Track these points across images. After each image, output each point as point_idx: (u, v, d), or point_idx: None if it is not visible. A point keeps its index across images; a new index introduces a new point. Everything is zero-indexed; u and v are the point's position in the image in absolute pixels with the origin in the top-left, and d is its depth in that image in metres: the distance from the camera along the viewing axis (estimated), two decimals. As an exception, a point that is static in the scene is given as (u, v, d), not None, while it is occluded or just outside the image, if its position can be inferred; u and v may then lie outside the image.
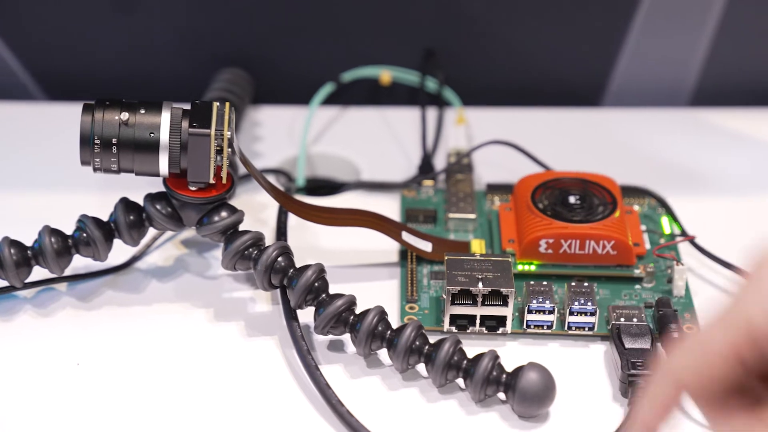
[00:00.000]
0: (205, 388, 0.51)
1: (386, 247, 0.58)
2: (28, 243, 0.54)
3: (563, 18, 0.69)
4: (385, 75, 0.70)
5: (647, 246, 0.58)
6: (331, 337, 0.53)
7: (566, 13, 0.69)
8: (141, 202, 0.54)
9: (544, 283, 0.54)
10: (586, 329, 0.54)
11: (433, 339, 0.51)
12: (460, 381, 0.51)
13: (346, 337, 0.53)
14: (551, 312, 0.53)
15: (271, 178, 0.64)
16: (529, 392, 0.49)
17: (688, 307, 0.55)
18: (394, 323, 0.53)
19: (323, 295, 0.52)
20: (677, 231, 0.59)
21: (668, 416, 0.40)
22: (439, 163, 0.65)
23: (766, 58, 0.70)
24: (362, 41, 0.70)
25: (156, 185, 0.54)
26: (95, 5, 0.69)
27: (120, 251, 0.56)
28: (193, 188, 0.53)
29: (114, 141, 0.51)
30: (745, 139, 0.67)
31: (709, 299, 0.56)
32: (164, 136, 0.52)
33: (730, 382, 0.39)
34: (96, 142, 0.51)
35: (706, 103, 0.71)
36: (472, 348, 0.51)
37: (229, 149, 0.52)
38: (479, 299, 0.53)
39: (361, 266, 0.58)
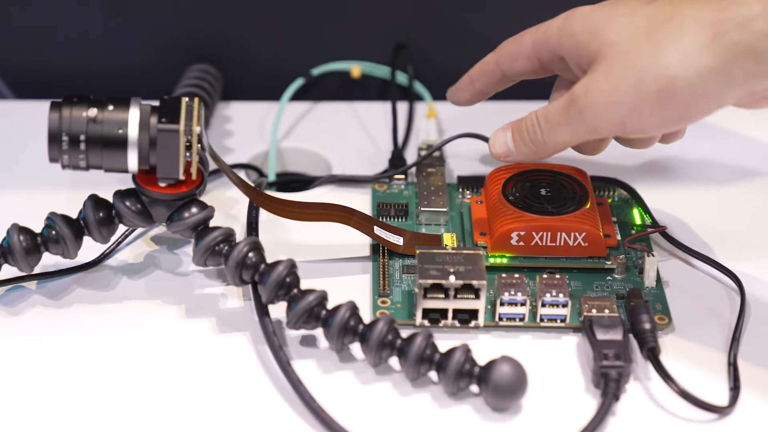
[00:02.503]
0: (177, 385, 0.51)
1: (358, 241, 0.58)
2: (-3, 241, 0.54)
3: (532, 11, 0.69)
4: (356, 69, 0.70)
5: (618, 237, 0.58)
6: (303, 331, 0.53)
7: (534, 5, 0.69)
8: (110, 199, 0.54)
9: (516, 275, 0.54)
10: (558, 321, 0.54)
11: (405, 333, 0.51)
12: (433, 374, 0.51)
13: (319, 332, 0.53)
14: (523, 304, 0.53)
15: (242, 174, 0.64)
16: (502, 385, 0.49)
17: (660, 297, 0.55)
18: (367, 317, 0.53)
19: (295, 291, 0.52)
20: (648, 222, 0.59)
21: (482, 72, 0.58)
22: (410, 156, 0.65)
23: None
24: (332, 36, 0.70)
25: (126, 182, 0.54)
26: (62, 3, 0.69)
27: (90, 248, 0.56)
28: (163, 184, 0.53)
29: (82, 138, 0.51)
30: (714, 129, 0.67)
31: (681, 289, 0.56)
32: (133, 132, 0.51)
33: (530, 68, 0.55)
34: (64, 138, 0.51)
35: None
36: (444, 341, 0.51)
37: (199, 145, 0.52)
38: (451, 293, 0.53)
39: (333, 261, 0.57)
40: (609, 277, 0.56)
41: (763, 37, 0.47)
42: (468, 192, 0.61)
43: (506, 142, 0.54)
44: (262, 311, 0.53)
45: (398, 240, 0.57)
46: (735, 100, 0.50)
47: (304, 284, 0.52)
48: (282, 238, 0.59)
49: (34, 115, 0.57)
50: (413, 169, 0.63)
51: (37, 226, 0.54)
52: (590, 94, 0.50)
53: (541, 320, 0.54)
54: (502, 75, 0.57)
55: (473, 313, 0.53)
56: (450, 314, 0.53)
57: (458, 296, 0.53)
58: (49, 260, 0.55)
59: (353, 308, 0.51)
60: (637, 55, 0.49)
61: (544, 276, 0.54)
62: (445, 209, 0.59)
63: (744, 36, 0.47)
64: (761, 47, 0.47)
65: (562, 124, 0.52)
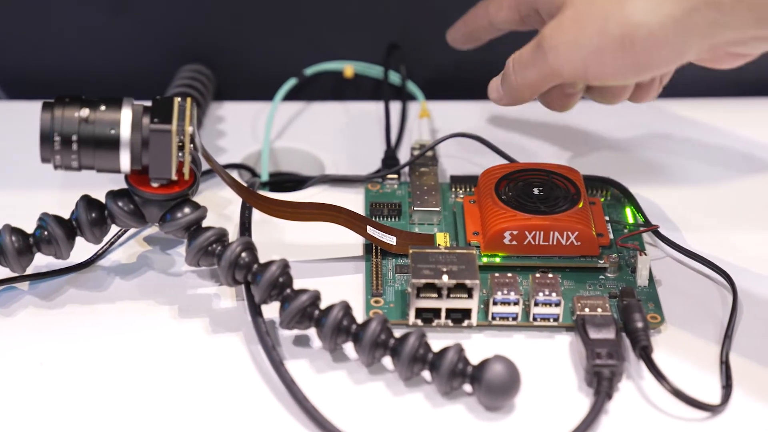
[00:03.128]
0: (171, 385, 0.51)
1: (351, 241, 0.58)
2: (-11, 242, 0.54)
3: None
4: (349, 69, 0.70)
5: (611, 236, 0.58)
6: (296, 331, 0.53)
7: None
8: (103, 200, 0.54)
9: (509, 275, 0.54)
10: (551, 320, 0.54)
11: (398, 332, 0.51)
12: (426, 374, 0.51)
13: (312, 332, 0.53)
14: (516, 304, 0.53)
15: (235, 174, 0.64)
16: (495, 384, 0.49)
17: (652, 296, 0.55)
18: (360, 317, 0.53)
19: (288, 290, 0.52)
20: (640, 221, 0.59)
21: (474, 18, 0.61)
22: (403, 156, 0.65)
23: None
24: (325, 36, 0.70)
25: (118, 182, 0.54)
26: (54, 4, 0.69)
27: (82, 249, 0.56)
28: (156, 185, 0.53)
29: (74, 138, 0.51)
30: (707, 129, 0.67)
31: (673, 288, 0.56)
32: (125, 132, 0.51)
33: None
34: (56, 139, 0.51)
35: (667, 94, 0.71)
36: (437, 341, 0.51)
37: (191, 145, 0.52)
38: (444, 292, 0.53)
39: (326, 261, 0.57)
40: (602, 276, 0.56)
41: None
42: (461, 191, 0.61)
43: (498, 87, 0.56)
44: (255, 311, 0.53)
45: (391, 240, 0.57)
46: (696, 54, 0.50)
47: (297, 284, 0.52)
48: (275, 238, 0.59)
49: (26, 116, 0.57)
50: (406, 169, 0.63)
51: (29, 227, 0.54)
52: (555, 36, 0.51)
53: (534, 319, 0.54)
54: (489, 21, 0.60)
55: (466, 313, 0.53)
56: (443, 314, 0.53)
57: (451, 296, 0.53)
58: (41, 261, 0.55)
59: (346, 308, 0.51)
60: (603, 1, 0.50)
61: (537, 275, 0.54)
62: (438, 209, 0.59)
63: None
64: None
65: (529, 65, 0.53)
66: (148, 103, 0.52)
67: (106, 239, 0.56)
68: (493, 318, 0.54)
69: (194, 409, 0.50)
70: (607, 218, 0.59)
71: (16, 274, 0.55)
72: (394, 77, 0.70)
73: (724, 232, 0.60)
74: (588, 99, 0.55)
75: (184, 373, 0.52)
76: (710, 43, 0.49)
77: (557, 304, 0.53)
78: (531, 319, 0.54)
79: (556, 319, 0.54)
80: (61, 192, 0.60)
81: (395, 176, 0.62)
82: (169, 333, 0.54)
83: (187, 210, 0.53)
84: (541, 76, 0.53)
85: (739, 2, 0.47)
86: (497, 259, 0.56)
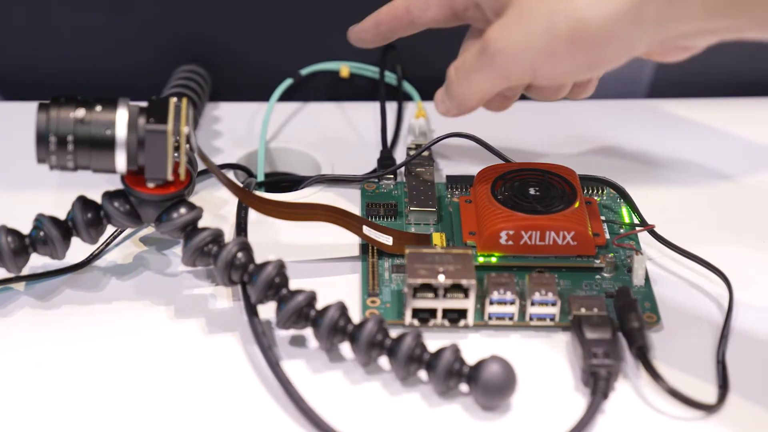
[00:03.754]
0: (167, 385, 0.51)
1: (347, 241, 0.58)
2: (-15, 243, 0.54)
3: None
4: (345, 69, 0.70)
5: (607, 236, 0.58)
6: (292, 331, 0.53)
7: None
8: (99, 200, 0.54)
9: (505, 274, 0.54)
10: (548, 320, 0.54)
11: (395, 332, 0.51)
12: (422, 373, 0.51)
13: (308, 332, 0.53)
14: (512, 303, 0.53)
15: (231, 174, 0.64)
16: (491, 384, 0.49)
17: (648, 296, 0.55)
18: (356, 317, 0.53)
19: (284, 291, 0.52)
20: (636, 221, 0.59)
21: (390, 17, 0.57)
22: (399, 156, 0.65)
23: (720, 50, 0.71)
24: (321, 36, 0.70)
25: (114, 182, 0.54)
26: (50, 4, 0.68)
27: (78, 249, 0.56)
28: (151, 185, 0.52)
29: (70, 138, 0.51)
30: (701, 129, 0.68)
31: (669, 288, 0.56)
32: (121, 132, 0.51)
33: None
34: (52, 139, 0.51)
35: (662, 95, 0.71)
36: (434, 341, 0.51)
37: (187, 145, 0.52)
38: (441, 292, 0.53)
39: (323, 261, 0.57)
40: (598, 276, 0.56)
41: None
42: (457, 191, 0.61)
43: (443, 98, 0.54)
44: (252, 311, 0.53)
45: (387, 240, 0.57)
46: (647, 47, 0.49)
47: (294, 284, 0.52)
48: (271, 238, 0.59)
49: (22, 117, 0.57)
50: (402, 169, 0.63)
51: (25, 228, 0.54)
52: (501, 39, 0.50)
53: (531, 319, 0.54)
54: (410, 21, 0.57)
55: (462, 313, 0.53)
56: (439, 314, 0.53)
57: (447, 296, 0.53)
58: (37, 261, 0.55)
59: (342, 308, 0.51)
60: None
61: (533, 275, 0.54)
62: (434, 209, 0.59)
63: None
64: None
65: (475, 71, 0.51)
66: (144, 104, 0.52)
67: (102, 240, 0.56)
68: (490, 318, 0.54)
69: (191, 410, 0.50)
70: (603, 218, 0.59)
71: (12, 275, 0.55)
72: (390, 77, 0.70)
73: (720, 232, 0.60)
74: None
75: (181, 374, 0.52)
76: (661, 37, 0.48)
77: (553, 304, 0.53)
78: (527, 318, 0.54)
79: (552, 319, 0.54)
80: (57, 192, 0.60)
81: (391, 176, 0.62)
82: (166, 333, 0.54)
83: (183, 210, 0.53)
84: (488, 81, 0.51)
85: None
86: (493, 259, 0.56)
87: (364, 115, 0.69)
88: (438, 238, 0.58)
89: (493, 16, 0.52)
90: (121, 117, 0.51)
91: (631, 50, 0.49)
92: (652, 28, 0.47)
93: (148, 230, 0.59)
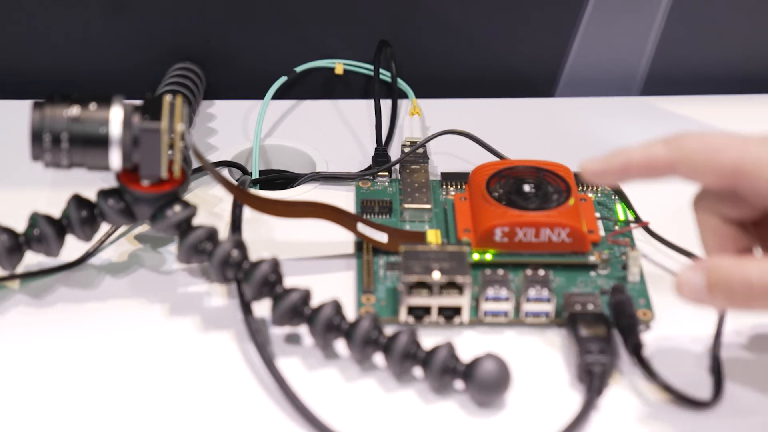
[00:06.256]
0: (162, 383, 0.51)
1: (342, 238, 0.58)
2: (-21, 241, 0.54)
3: (515, 9, 0.70)
4: (339, 66, 0.70)
5: (602, 233, 0.58)
6: (287, 329, 0.53)
7: (518, 3, 0.69)
8: (94, 198, 0.54)
9: (500, 272, 0.54)
10: (543, 317, 0.54)
11: (389, 330, 0.51)
12: (418, 371, 0.51)
13: (303, 329, 0.53)
14: (507, 301, 0.53)
15: (226, 172, 0.64)
16: (486, 381, 0.49)
17: (643, 293, 0.55)
18: (351, 314, 0.53)
19: (278, 288, 0.52)
20: (631, 217, 0.59)
21: (645, 167, 0.44)
22: (394, 153, 0.65)
23: (714, 47, 0.71)
24: (315, 33, 0.70)
25: (109, 180, 0.54)
26: (44, 3, 0.68)
27: (73, 247, 0.56)
28: (146, 183, 0.52)
29: (64, 136, 0.51)
30: (695, 126, 0.68)
31: (664, 285, 0.56)
32: (115, 130, 0.51)
33: (720, 202, 0.42)
34: (46, 137, 0.51)
35: (656, 92, 0.71)
36: (429, 338, 0.51)
37: (182, 143, 0.52)
38: (435, 289, 0.53)
39: (317, 258, 0.57)
40: (593, 273, 0.56)
41: None
42: (452, 188, 0.61)
43: (697, 287, 0.46)
44: (246, 309, 0.53)
45: (382, 237, 0.57)
46: None
47: (288, 282, 0.52)
48: (266, 235, 0.59)
49: (17, 115, 0.57)
50: (397, 166, 0.63)
51: (20, 225, 0.54)
52: None
53: (526, 316, 0.54)
54: (669, 174, 0.47)
55: (457, 310, 0.53)
56: (434, 311, 0.53)
57: (442, 293, 0.53)
58: (32, 259, 0.55)
59: (337, 305, 0.51)
60: None
61: (528, 272, 0.54)
62: (429, 206, 0.59)
63: None
64: None
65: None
66: (139, 102, 0.52)
67: (96, 237, 0.56)
68: (485, 315, 0.54)
69: (185, 407, 0.50)
70: (598, 215, 0.59)
71: (6, 273, 0.55)
72: (385, 75, 0.70)
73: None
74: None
75: (176, 371, 0.52)
76: None
77: (548, 301, 0.53)
78: (522, 316, 0.54)
79: (547, 316, 0.54)
80: (51, 190, 0.60)
81: (386, 174, 0.62)
82: (161, 330, 0.54)
83: (177, 208, 0.53)
84: None
85: None
86: (488, 256, 0.56)
87: (358, 112, 0.69)
88: (433, 236, 0.58)
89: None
90: (116, 115, 0.51)
91: None
92: None
93: (143, 228, 0.59)
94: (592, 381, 0.50)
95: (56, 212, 0.54)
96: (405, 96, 0.69)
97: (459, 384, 0.50)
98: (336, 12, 0.70)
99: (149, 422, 0.49)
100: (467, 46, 0.71)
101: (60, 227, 0.54)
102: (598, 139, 0.67)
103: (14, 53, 0.70)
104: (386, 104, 0.69)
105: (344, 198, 0.61)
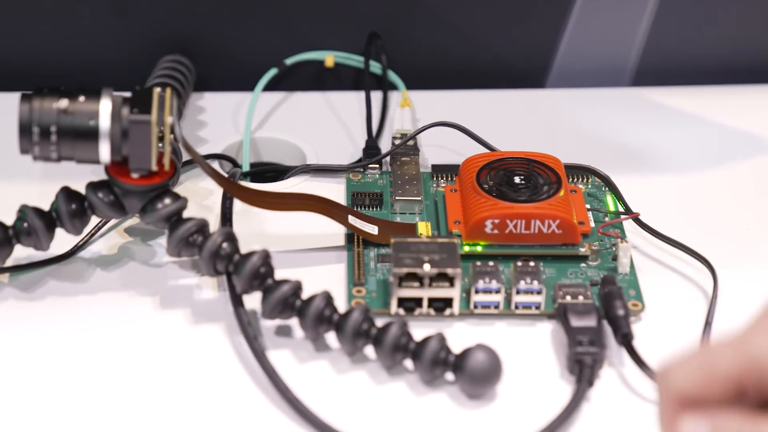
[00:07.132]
0: (153, 376, 0.51)
1: (332, 230, 0.58)
2: (-31, 234, 0.53)
3: (506, 0, 0.70)
4: (329, 58, 0.70)
5: (592, 224, 0.58)
6: (278, 321, 0.53)
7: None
8: (83, 191, 0.54)
9: (491, 263, 0.54)
10: (533, 308, 0.54)
11: (380, 322, 0.51)
12: (408, 362, 0.51)
13: (294, 322, 0.53)
14: (498, 292, 0.53)
15: (216, 164, 0.64)
16: (477, 373, 0.49)
17: (633, 284, 0.55)
18: (342, 307, 0.53)
19: (269, 281, 0.52)
20: (621, 209, 0.59)
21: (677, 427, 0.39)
22: (385, 146, 0.65)
23: (705, 37, 0.71)
24: (305, 25, 0.70)
25: (98, 173, 0.54)
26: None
27: (63, 240, 0.55)
28: (136, 176, 0.52)
29: (53, 129, 0.51)
30: (687, 117, 0.68)
31: (654, 275, 0.56)
32: (104, 123, 0.51)
33: (726, 401, 0.39)
34: (35, 130, 0.51)
35: (647, 83, 0.71)
36: (419, 330, 0.51)
37: (171, 135, 0.52)
38: (426, 281, 0.53)
39: (308, 250, 0.57)
40: (583, 264, 0.56)
41: None
42: (442, 180, 0.61)
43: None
44: (237, 302, 0.53)
45: (373, 229, 0.57)
46: None
47: (279, 274, 0.52)
48: (256, 228, 0.59)
49: (5, 107, 0.56)
50: (387, 158, 0.62)
51: (9, 219, 0.54)
52: None
53: (516, 308, 0.54)
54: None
55: (448, 302, 0.53)
56: (425, 303, 0.53)
57: (433, 285, 0.53)
58: (21, 253, 0.55)
59: (328, 298, 0.51)
60: None
61: (519, 263, 0.54)
62: (419, 198, 0.59)
63: None
64: None
65: None
66: (128, 94, 0.52)
67: (86, 230, 0.56)
68: (475, 306, 0.54)
69: (176, 400, 0.50)
70: (588, 206, 0.59)
71: (-4, 267, 0.55)
72: (375, 67, 0.69)
73: (705, 220, 0.60)
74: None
75: (166, 364, 0.52)
76: None
77: (539, 293, 0.53)
78: (513, 307, 0.54)
79: (537, 307, 0.54)
80: (40, 183, 0.60)
81: (376, 166, 0.62)
82: (151, 324, 0.53)
83: (167, 201, 0.53)
84: None
85: None
86: (479, 248, 0.56)
87: (349, 104, 0.69)
88: (423, 228, 0.58)
89: None
90: (105, 107, 0.51)
91: None
92: None
93: (133, 221, 0.59)
94: (583, 372, 0.50)
95: (46, 205, 0.54)
96: (395, 88, 0.69)
97: (450, 375, 0.50)
98: (326, 4, 0.70)
99: (140, 415, 0.49)
100: (458, 37, 0.70)
101: (49, 220, 0.54)
102: (588, 131, 0.67)
103: (1, 45, 0.70)
104: (377, 96, 0.69)
105: (335, 190, 0.61)
